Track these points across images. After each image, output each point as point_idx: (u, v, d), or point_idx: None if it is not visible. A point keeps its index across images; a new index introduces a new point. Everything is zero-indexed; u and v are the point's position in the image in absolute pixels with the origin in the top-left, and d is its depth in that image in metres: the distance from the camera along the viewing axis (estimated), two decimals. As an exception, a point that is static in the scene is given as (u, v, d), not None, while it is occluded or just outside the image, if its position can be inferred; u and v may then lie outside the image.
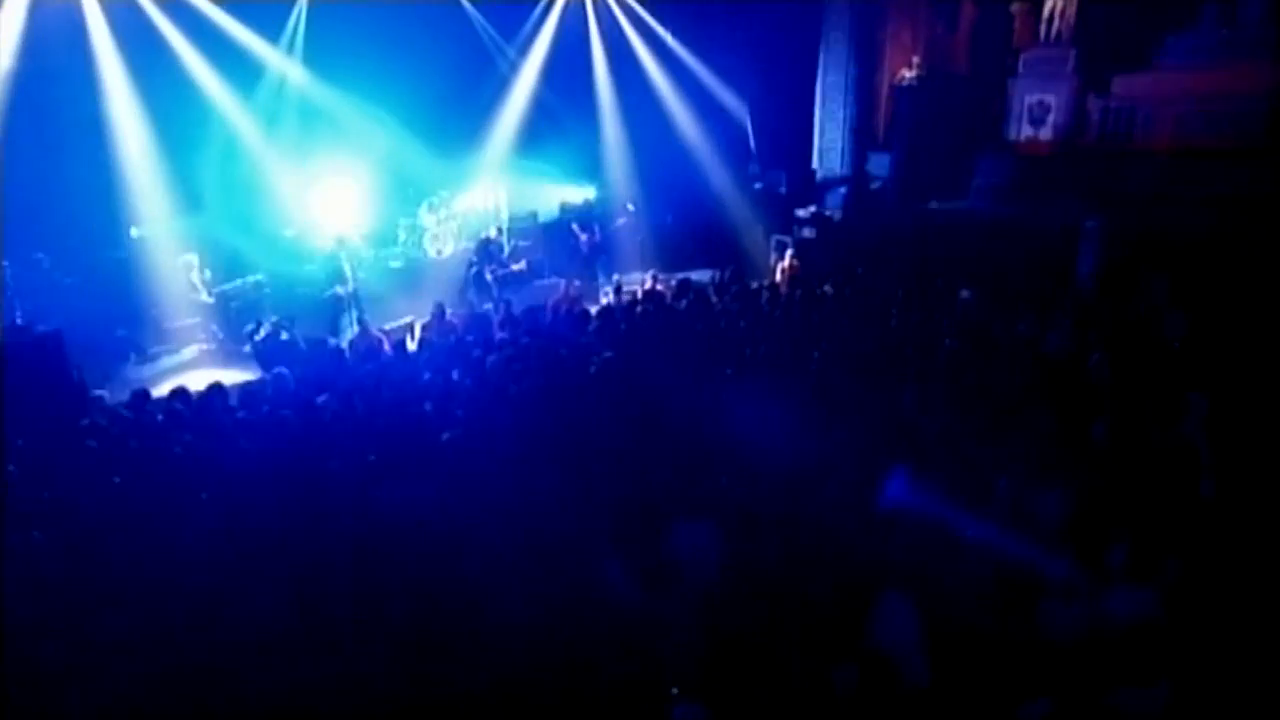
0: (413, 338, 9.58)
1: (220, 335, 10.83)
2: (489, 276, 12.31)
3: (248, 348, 9.91)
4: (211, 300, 10.86)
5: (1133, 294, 9.22)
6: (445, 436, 5.32)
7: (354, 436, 5.97)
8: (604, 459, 5.60)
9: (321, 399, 6.63)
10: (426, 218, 13.25)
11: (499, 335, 8.22)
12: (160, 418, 6.58)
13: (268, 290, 11.35)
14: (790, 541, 4.74)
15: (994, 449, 5.56)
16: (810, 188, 14.73)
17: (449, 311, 9.71)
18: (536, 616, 4.11)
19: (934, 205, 12.52)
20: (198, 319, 10.93)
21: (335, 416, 6.29)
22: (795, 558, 4.60)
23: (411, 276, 12.57)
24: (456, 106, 13.64)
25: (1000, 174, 12.42)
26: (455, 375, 6.87)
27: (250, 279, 11.31)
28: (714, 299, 10.04)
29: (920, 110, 13.41)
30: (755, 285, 11.01)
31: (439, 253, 13.30)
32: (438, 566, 4.38)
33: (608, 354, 7.36)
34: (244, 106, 11.87)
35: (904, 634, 3.81)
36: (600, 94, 15.18)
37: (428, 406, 6.25)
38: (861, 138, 14.34)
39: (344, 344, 9.03)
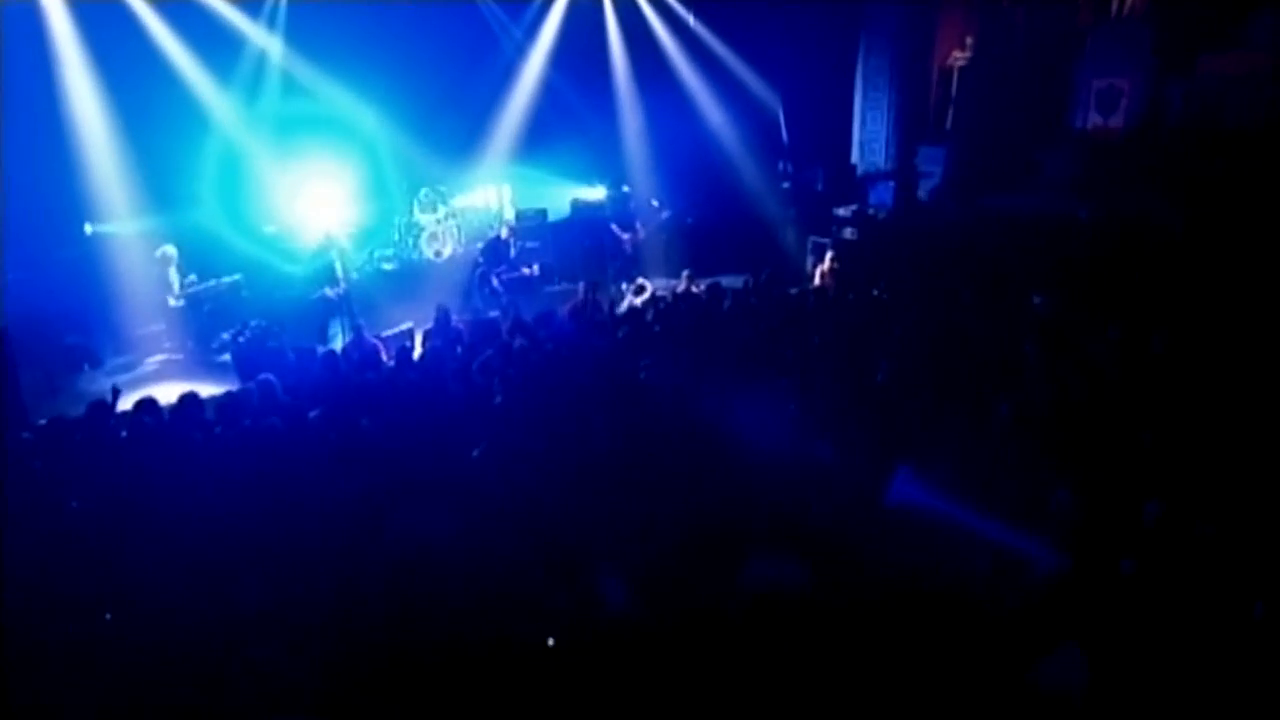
0: (412, 345, 9.09)
1: (190, 343, 10.35)
2: (495, 281, 11.84)
3: (226, 356, 9.38)
4: (181, 303, 10.35)
5: (1233, 294, 8.83)
6: (476, 453, 4.80)
7: (356, 455, 5.50)
8: (658, 477, 5.13)
9: (314, 414, 6.18)
10: (424, 216, 12.80)
11: (518, 342, 7.73)
12: (124, 433, 6.10)
13: (245, 292, 10.89)
14: (899, 581, 4.26)
15: (1135, 472, 5.08)
16: (849, 185, 14.31)
17: (454, 317, 9.27)
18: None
19: (993, 201, 12.13)
20: (164, 325, 10.47)
21: (334, 432, 5.80)
22: (907, 602, 4.11)
23: (407, 279, 12.15)
24: (457, 94, 13.33)
25: (1069, 166, 12.05)
26: (483, 386, 6.37)
27: (226, 280, 10.83)
28: (754, 303, 9.61)
29: (976, 96, 13.05)
30: (796, 290, 10.58)
31: (437, 254, 12.83)
32: (475, 608, 3.85)
33: (647, 361, 6.94)
34: (219, 89, 11.48)
35: (1073, 688, 3.38)
36: (617, 82, 14.83)
37: (444, 421, 5.76)
38: (907, 128, 13.96)
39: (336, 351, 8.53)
